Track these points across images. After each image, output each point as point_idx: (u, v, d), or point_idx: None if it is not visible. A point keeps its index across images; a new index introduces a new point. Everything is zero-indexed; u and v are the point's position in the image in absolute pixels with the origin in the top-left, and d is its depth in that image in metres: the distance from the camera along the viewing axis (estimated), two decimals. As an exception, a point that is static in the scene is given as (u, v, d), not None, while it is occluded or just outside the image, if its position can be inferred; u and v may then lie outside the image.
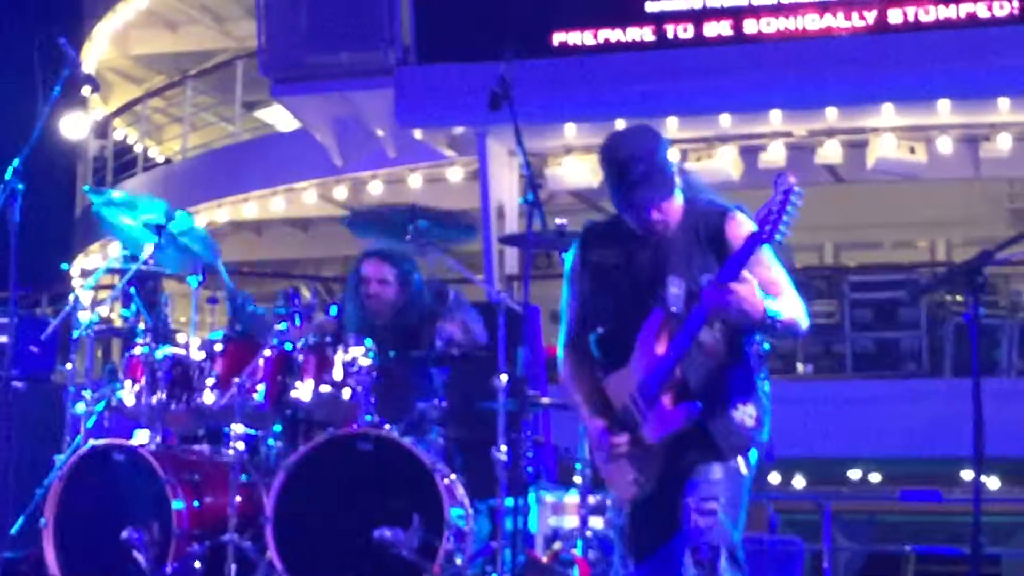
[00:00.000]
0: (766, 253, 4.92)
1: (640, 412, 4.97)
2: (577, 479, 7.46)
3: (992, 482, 14.66)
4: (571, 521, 7.54)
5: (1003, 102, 13.03)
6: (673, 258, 4.99)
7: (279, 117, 19.76)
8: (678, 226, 5.03)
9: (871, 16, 12.60)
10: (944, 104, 13.10)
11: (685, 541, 4.91)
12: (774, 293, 4.87)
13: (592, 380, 5.18)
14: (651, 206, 4.95)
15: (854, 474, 15.10)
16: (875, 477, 15.26)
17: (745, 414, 4.99)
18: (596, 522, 7.49)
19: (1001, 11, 12.24)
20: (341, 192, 16.92)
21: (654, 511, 5.03)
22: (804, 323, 4.95)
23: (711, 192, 5.17)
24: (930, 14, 12.45)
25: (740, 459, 5.00)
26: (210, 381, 7.22)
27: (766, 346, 5.11)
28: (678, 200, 5.03)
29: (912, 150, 14.04)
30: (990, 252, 4.68)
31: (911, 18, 12.50)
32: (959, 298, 13.56)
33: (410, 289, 7.62)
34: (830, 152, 14.08)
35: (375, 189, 16.56)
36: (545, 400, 7.76)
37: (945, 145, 14.04)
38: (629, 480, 5.04)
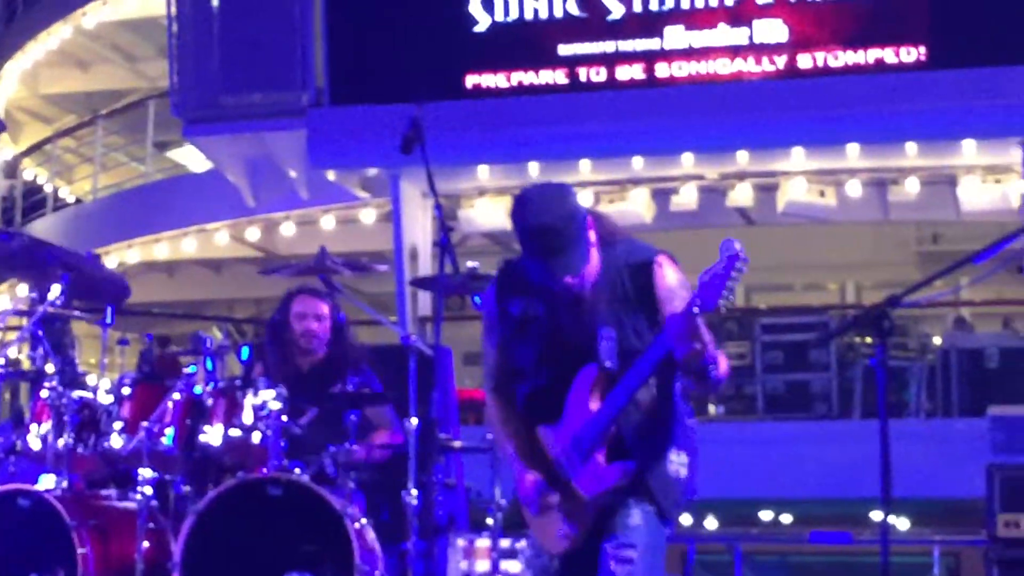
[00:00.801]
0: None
1: (574, 468, 4.90)
2: (489, 522, 7.43)
3: (901, 523, 14.77)
4: (482, 565, 7.50)
5: (911, 147, 13.19)
6: (601, 311, 4.89)
7: (191, 157, 19.66)
8: (598, 279, 4.90)
9: (781, 61, 12.72)
10: (853, 148, 13.25)
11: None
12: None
13: (520, 426, 5.08)
14: (567, 274, 4.83)
15: (765, 515, 15.16)
16: (786, 518, 15.32)
17: (679, 464, 4.95)
18: (508, 565, 7.46)
19: (908, 57, 12.41)
20: (253, 233, 16.85)
21: (580, 558, 4.97)
22: (724, 378, 4.87)
23: (626, 235, 5.06)
24: (839, 59, 12.60)
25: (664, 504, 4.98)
26: (118, 425, 7.12)
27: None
28: (594, 258, 4.88)
29: (822, 193, 14.19)
30: (898, 296, 4.71)
31: (820, 63, 12.64)
32: (868, 340, 13.67)
33: (340, 329, 7.60)
34: (741, 195, 14.20)
35: (287, 230, 16.50)
36: (457, 443, 7.73)
37: (854, 189, 14.20)
38: (560, 535, 4.98)
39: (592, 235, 4.87)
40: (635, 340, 4.84)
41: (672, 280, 4.86)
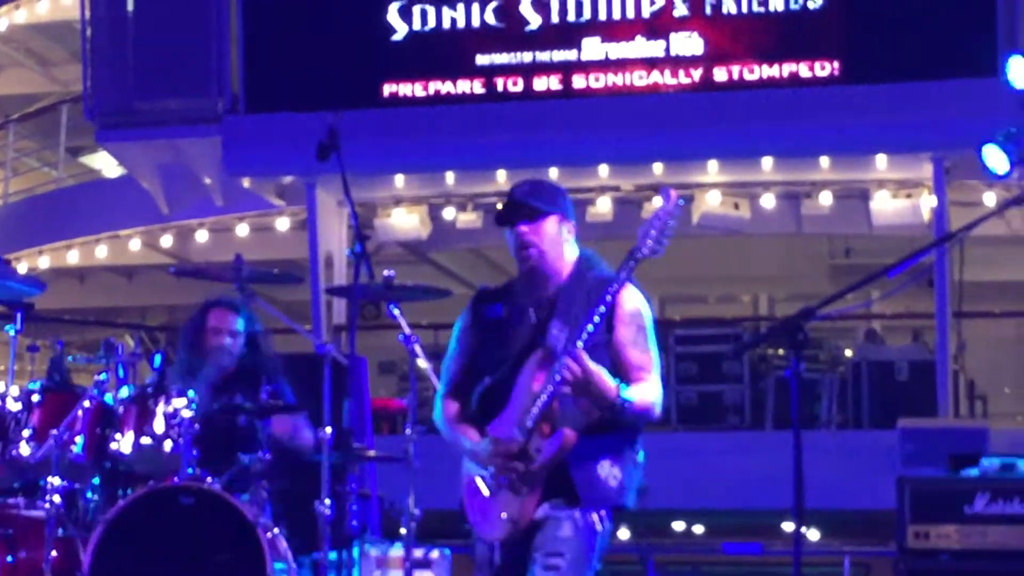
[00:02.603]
0: (644, 334, 5.17)
1: (516, 443, 5.06)
2: (402, 532, 7.40)
3: (812, 534, 14.87)
4: (395, 574, 7.49)
5: (824, 160, 13.33)
6: (560, 308, 5.17)
7: (104, 163, 19.48)
8: (567, 283, 5.23)
9: (697, 74, 12.81)
10: (767, 161, 13.37)
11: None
12: (638, 378, 5.10)
13: (469, 419, 5.30)
14: (522, 227, 5.18)
15: (678, 526, 15.22)
16: (699, 529, 15.39)
17: (610, 474, 5.12)
18: (421, 575, 7.44)
19: (823, 71, 12.53)
20: (167, 240, 16.72)
21: (517, 552, 5.11)
22: (657, 409, 5.18)
23: (604, 267, 5.31)
24: (754, 73, 12.70)
25: (596, 516, 5.11)
26: (26, 432, 7.04)
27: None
28: (562, 247, 5.25)
29: (736, 206, 14.28)
30: (811, 309, 4.75)
31: (736, 76, 12.74)
32: (781, 352, 13.78)
33: (254, 339, 7.55)
34: (656, 206, 14.23)
35: (201, 237, 16.38)
36: (371, 452, 7.70)
37: (768, 201, 14.29)
38: (501, 518, 5.10)
39: (569, 233, 5.28)
40: (588, 342, 5.02)
41: (633, 306, 5.17)
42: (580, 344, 4.96)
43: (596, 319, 5.00)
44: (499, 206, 5.35)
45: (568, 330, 5.07)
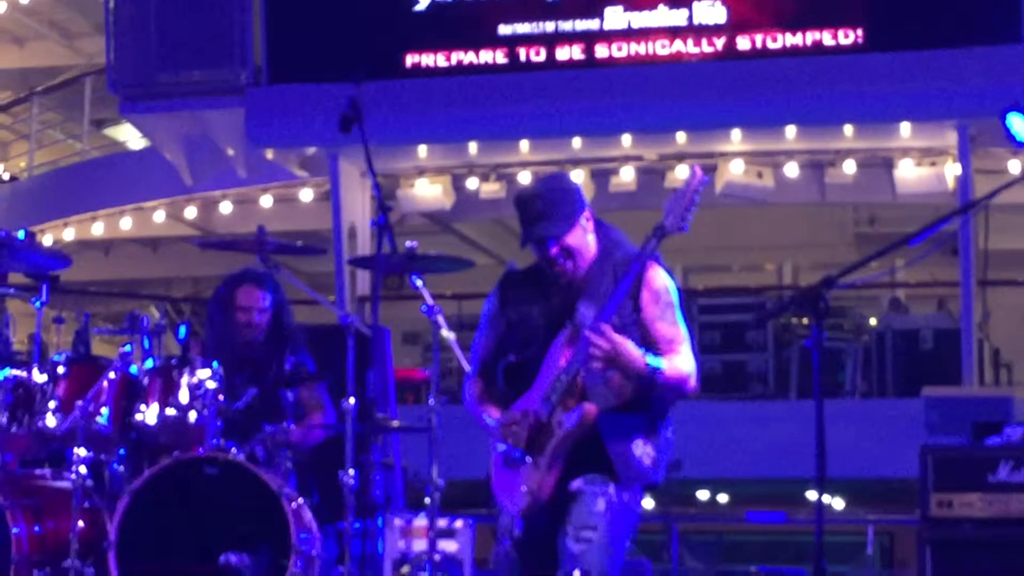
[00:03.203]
0: (672, 309, 5.18)
1: (540, 417, 5.10)
2: (426, 502, 7.42)
3: (837, 503, 14.89)
4: (420, 544, 7.51)
5: (848, 128, 13.28)
6: (587, 290, 5.17)
7: (128, 135, 19.51)
8: (593, 266, 5.21)
9: (720, 42, 12.77)
10: (791, 130, 13.33)
11: (559, 566, 5.03)
12: (669, 351, 5.12)
13: (496, 396, 5.34)
14: (551, 241, 5.14)
15: (702, 495, 15.25)
16: (723, 498, 15.42)
17: (644, 452, 5.16)
18: (445, 545, 7.47)
19: (846, 40, 12.49)
20: (191, 211, 16.76)
21: (540, 544, 5.14)
22: (692, 382, 5.18)
23: (632, 246, 5.30)
24: (777, 41, 12.66)
25: (628, 493, 5.15)
26: (52, 404, 7.07)
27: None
28: (587, 242, 5.22)
29: (759, 175, 14.24)
30: (833, 278, 4.74)
31: (759, 45, 12.69)
32: (805, 321, 13.76)
33: (280, 311, 7.57)
34: (680, 176, 14.21)
35: (225, 209, 16.42)
36: (395, 423, 7.72)
37: (791, 170, 14.27)
38: (522, 490, 5.12)
39: (588, 222, 5.22)
40: (616, 321, 5.05)
41: (661, 283, 5.17)
42: (606, 319, 4.98)
43: (622, 295, 5.02)
44: (520, 229, 5.23)
45: (595, 308, 5.07)
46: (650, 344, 5.11)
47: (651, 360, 5.02)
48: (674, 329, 5.18)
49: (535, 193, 5.21)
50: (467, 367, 5.58)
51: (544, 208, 5.13)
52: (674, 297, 5.22)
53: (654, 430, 5.19)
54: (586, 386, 5.07)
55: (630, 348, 5.00)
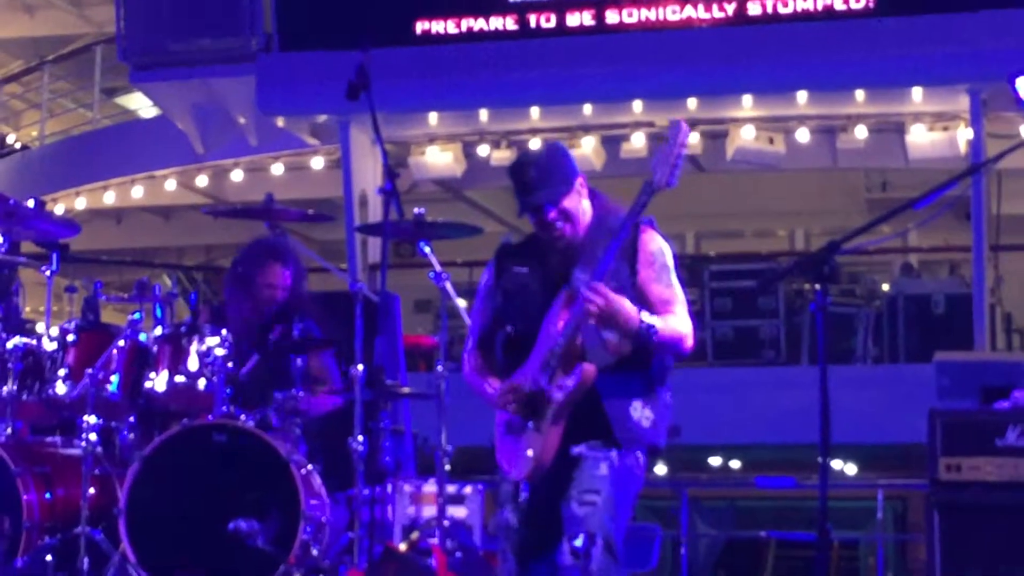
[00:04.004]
0: (667, 271, 5.23)
1: (541, 383, 5.12)
2: (448, 467, 7.43)
3: (849, 468, 14.90)
4: (429, 510, 7.54)
5: (859, 94, 13.24)
6: (583, 256, 5.20)
7: (139, 103, 19.50)
8: (588, 233, 5.24)
9: (731, 8, 12.71)
10: (802, 95, 13.28)
11: (563, 529, 5.04)
12: (665, 311, 5.16)
13: (496, 367, 5.36)
14: (548, 206, 5.18)
15: (714, 461, 15.26)
16: (735, 464, 15.43)
17: (643, 415, 5.19)
18: (455, 511, 7.50)
19: (857, 4, 12.43)
20: (202, 180, 16.77)
21: (543, 513, 5.15)
22: (688, 342, 5.22)
23: (618, 206, 5.30)
24: (788, 6, 12.60)
25: (631, 457, 5.17)
26: (62, 372, 7.11)
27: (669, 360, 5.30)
28: (583, 207, 5.26)
29: (771, 140, 14.21)
30: (837, 242, 4.74)
31: (770, 10, 12.64)
32: (818, 287, 13.73)
33: (299, 285, 7.60)
34: (690, 142, 14.15)
35: (236, 177, 16.43)
36: (404, 389, 7.74)
37: (803, 136, 14.24)
38: (527, 455, 5.13)
39: (582, 188, 5.26)
40: (613, 284, 5.09)
41: (656, 246, 5.23)
42: (599, 277, 5.03)
43: (614, 252, 5.05)
44: (516, 198, 5.26)
45: (590, 272, 5.09)
46: (646, 307, 5.14)
47: (646, 317, 5.05)
48: (669, 291, 5.23)
49: (530, 161, 5.25)
50: None
51: (540, 175, 5.17)
52: (669, 260, 5.26)
53: (652, 392, 5.21)
54: (584, 347, 5.07)
55: (625, 305, 5.03)
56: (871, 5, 12.37)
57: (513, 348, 5.30)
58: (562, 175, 5.21)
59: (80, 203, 17.69)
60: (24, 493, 6.77)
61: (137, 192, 17.33)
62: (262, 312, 7.51)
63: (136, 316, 7.21)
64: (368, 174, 14.15)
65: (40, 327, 7.97)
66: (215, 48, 13.92)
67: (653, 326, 5.06)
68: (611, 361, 5.11)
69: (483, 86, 13.33)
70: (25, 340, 7.22)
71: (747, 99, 13.47)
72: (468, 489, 7.83)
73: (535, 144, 14.02)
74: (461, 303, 7.41)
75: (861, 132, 14.10)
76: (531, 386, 5.12)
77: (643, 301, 5.15)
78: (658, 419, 5.21)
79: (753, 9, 12.68)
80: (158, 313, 7.45)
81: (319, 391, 7.35)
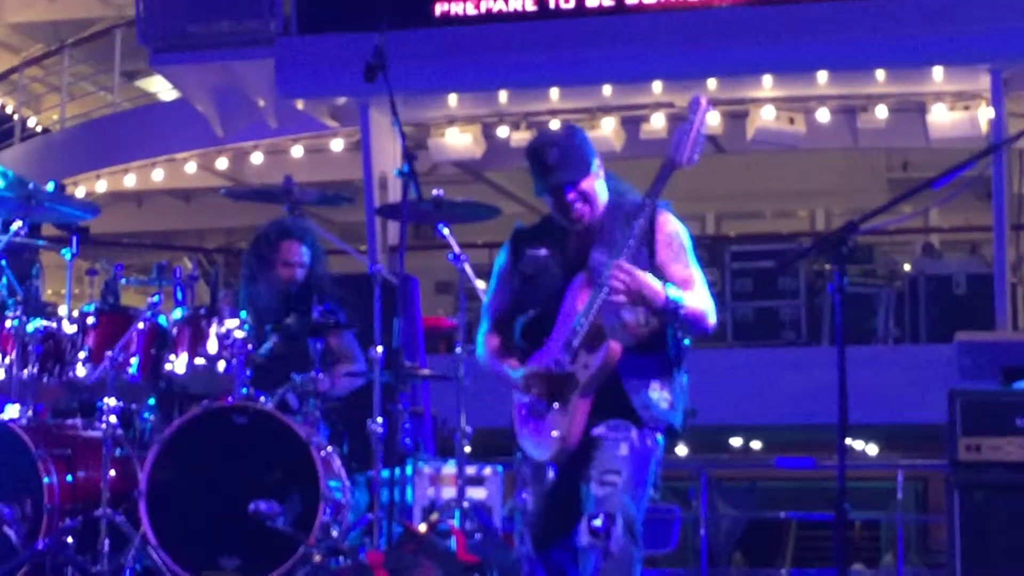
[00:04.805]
0: (685, 252, 5.23)
1: (564, 366, 5.11)
2: (468, 449, 7.44)
3: (871, 448, 14.89)
4: (448, 492, 7.55)
5: (880, 74, 13.19)
6: (601, 238, 5.20)
7: (159, 87, 19.53)
8: (604, 216, 5.24)
9: (751, -12, 12.68)
10: (823, 75, 13.24)
11: (582, 510, 5.04)
12: (686, 290, 5.14)
13: (515, 350, 5.35)
14: (568, 187, 5.16)
15: (736, 442, 15.26)
16: (756, 444, 15.42)
17: (661, 397, 5.19)
18: (474, 493, 7.51)
19: (878, -17, 12.38)
20: (222, 163, 16.80)
21: (566, 491, 5.16)
22: (711, 319, 5.20)
23: (637, 193, 5.29)
24: (809, -15, 12.56)
25: (651, 438, 5.16)
26: (82, 354, 7.12)
27: (686, 341, 5.30)
28: (600, 189, 5.24)
29: (791, 121, 14.18)
30: (855, 223, 4.73)
31: (790, -11, 12.60)
32: (837, 267, 13.69)
33: (317, 265, 7.62)
34: (711, 122, 14.09)
35: (256, 159, 16.44)
36: (424, 371, 7.75)
37: (823, 116, 14.21)
38: (553, 436, 5.13)
39: (600, 169, 5.25)
40: (632, 263, 5.06)
41: (672, 228, 5.23)
42: (622, 257, 5.02)
43: (636, 234, 5.05)
44: (535, 179, 5.24)
45: (609, 254, 5.09)
46: None
47: (672, 292, 5.05)
48: (688, 271, 5.21)
49: (549, 142, 5.22)
50: None
51: (560, 156, 5.15)
52: (686, 240, 5.25)
53: (670, 375, 5.21)
54: (603, 327, 5.07)
55: (651, 281, 5.03)
56: (892, -16, 12.32)
57: (531, 331, 5.30)
58: (582, 156, 5.19)
59: (101, 186, 17.73)
60: (45, 475, 6.78)
61: (157, 175, 17.36)
62: (282, 292, 7.53)
63: (156, 299, 7.22)
64: (388, 156, 14.14)
65: (61, 310, 7.99)
66: (234, 31, 13.92)
67: (680, 300, 5.06)
68: (631, 342, 5.11)
69: (502, 67, 13.32)
70: (45, 323, 7.23)
71: (767, 79, 13.43)
72: (487, 470, 7.85)
73: (555, 126, 14.00)
74: (480, 284, 7.40)
75: (882, 112, 14.06)
76: (555, 367, 5.12)
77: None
78: (676, 401, 5.22)
79: (773, -12, 12.64)
80: (178, 295, 7.47)
81: (340, 371, 7.37)
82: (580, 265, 5.20)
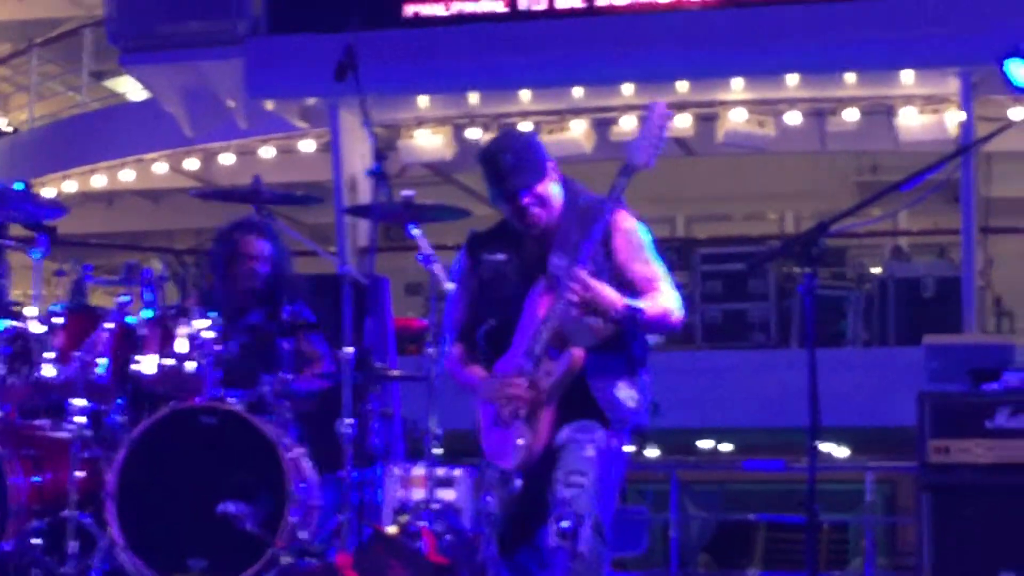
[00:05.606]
0: (644, 248, 5.21)
1: (527, 372, 5.09)
2: (438, 450, 7.42)
3: (840, 451, 14.91)
4: (418, 493, 7.52)
5: (849, 77, 13.22)
6: (558, 241, 5.17)
7: (128, 87, 19.47)
8: (560, 218, 5.21)
9: (722, -10, 12.71)
10: (792, 78, 13.27)
11: (549, 512, 5.00)
12: (649, 289, 5.13)
13: (479, 360, 5.34)
14: (523, 191, 5.13)
15: (704, 444, 15.27)
16: (726, 447, 15.44)
17: (628, 396, 5.18)
18: (444, 494, 7.48)
19: (848, -14, 12.42)
20: (192, 163, 16.75)
21: (534, 497, 5.12)
22: (676, 315, 5.18)
23: (593, 194, 5.29)
24: (779, -11, 12.60)
25: (617, 438, 5.15)
26: (50, 355, 7.08)
27: (652, 340, 5.31)
28: (555, 192, 5.21)
29: (761, 123, 14.20)
30: (825, 224, 4.74)
31: (761, -8, 12.64)
32: (809, 270, 13.71)
33: (279, 260, 7.58)
34: (681, 125, 14.18)
35: (226, 160, 16.40)
36: (394, 372, 7.73)
37: (793, 118, 14.22)
38: (518, 444, 5.11)
39: (554, 172, 5.22)
40: (591, 267, 5.06)
41: (629, 225, 5.21)
42: (581, 264, 5.01)
43: (595, 239, 5.05)
44: (489, 187, 5.23)
45: (567, 257, 5.07)
46: (628, 286, 5.13)
47: (629, 301, 5.04)
48: (649, 267, 5.20)
49: (502, 148, 5.21)
50: None
51: (514, 161, 5.13)
52: (645, 237, 5.24)
53: (634, 372, 5.21)
54: (565, 330, 5.06)
55: (607, 291, 5.02)
56: (861, -13, 12.36)
57: (492, 336, 5.28)
58: (535, 160, 5.18)
59: (69, 186, 17.66)
60: (11, 476, 6.74)
61: (127, 175, 17.31)
62: (246, 288, 7.51)
63: (124, 299, 7.18)
64: (358, 157, 14.11)
65: (28, 310, 7.94)
66: (204, 31, 13.89)
67: (639, 308, 5.05)
68: (594, 342, 5.10)
69: (473, 69, 13.32)
70: (13, 323, 7.19)
71: (737, 82, 13.46)
72: (457, 472, 7.81)
73: (526, 127, 14.01)
74: (450, 286, 7.38)
75: (851, 115, 14.08)
76: (516, 381, 5.10)
77: (624, 281, 5.14)
78: (642, 399, 5.21)
79: (744, -9, 12.68)
80: (147, 296, 7.43)
81: (310, 371, 7.34)
82: (539, 269, 5.18)
